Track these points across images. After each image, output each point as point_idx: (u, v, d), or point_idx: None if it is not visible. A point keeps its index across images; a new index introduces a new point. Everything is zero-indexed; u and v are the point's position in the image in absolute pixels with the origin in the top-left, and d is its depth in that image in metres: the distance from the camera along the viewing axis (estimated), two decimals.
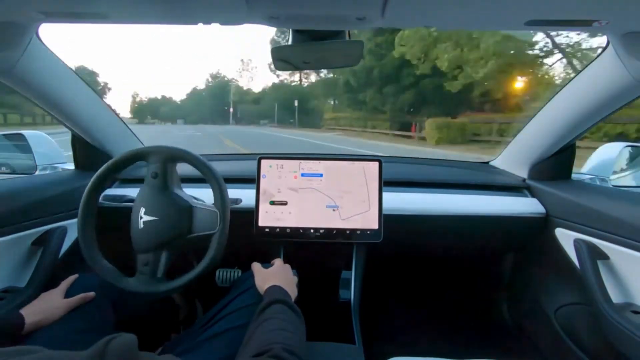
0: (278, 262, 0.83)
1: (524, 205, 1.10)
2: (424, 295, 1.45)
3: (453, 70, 11.67)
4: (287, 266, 0.84)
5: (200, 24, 0.65)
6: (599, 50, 0.81)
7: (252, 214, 0.98)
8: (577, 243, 0.93)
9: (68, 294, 0.76)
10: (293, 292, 0.75)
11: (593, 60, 0.84)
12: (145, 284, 0.80)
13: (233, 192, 0.87)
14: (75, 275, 0.81)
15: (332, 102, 28.26)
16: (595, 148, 1.26)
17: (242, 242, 0.90)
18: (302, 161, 1.00)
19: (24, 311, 0.68)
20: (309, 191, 0.99)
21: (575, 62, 10.10)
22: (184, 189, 0.90)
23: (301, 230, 0.98)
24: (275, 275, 0.77)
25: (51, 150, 1.26)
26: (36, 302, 0.73)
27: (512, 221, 1.10)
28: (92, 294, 0.77)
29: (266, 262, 0.85)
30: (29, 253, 0.89)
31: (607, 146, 1.27)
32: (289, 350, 0.52)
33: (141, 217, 0.80)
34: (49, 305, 0.72)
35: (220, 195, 0.83)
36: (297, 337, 0.58)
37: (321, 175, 1.00)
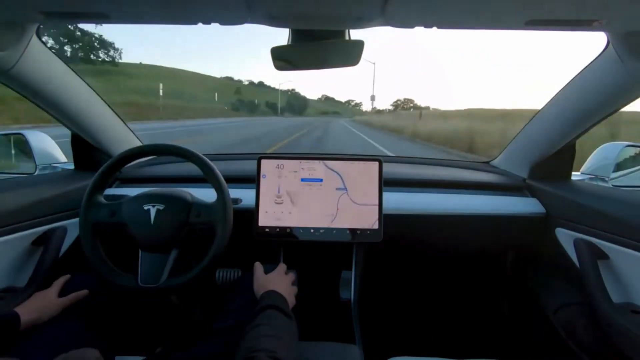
0: (281, 268, 0.83)
1: (524, 205, 1.10)
2: (424, 295, 1.44)
3: None
4: (290, 275, 0.83)
5: (200, 24, 0.65)
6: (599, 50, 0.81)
7: (252, 214, 0.97)
8: (577, 243, 0.93)
9: (63, 293, 0.76)
10: (291, 299, 0.75)
11: (593, 60, 0.84)
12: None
13: (233, 192, 0.87)
14: (68, 276, 0.81)
15: None
16: None
17: (242, 242, 0.90)
18: (302, 162, 1.00)
19: (19, 310, 0.69)
20: (309, 191, 0.99)
21: None
22: (186, 189, 0.91)
23: (301, 230, 0.98)
24: (273, 281, 0.76)
25: (51, 150, 1.27)
26: (31, 301, 0.73)
27: (512, 221, 1.10)
28: (85, 291, 0.77)
29: (267, 263, 0.85)
30: (29, 253, 0.89)
31: (607, 146, 1.27)
32: (274, 357, 0.52)
33: (151, 209, 0.81)
34: (44, 304, 0.73)
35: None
36: (285, 343, 0.58)
37: (321, 180, 1.00)
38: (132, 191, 0.95)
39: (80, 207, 0.83)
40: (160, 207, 0.82)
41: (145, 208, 0.82)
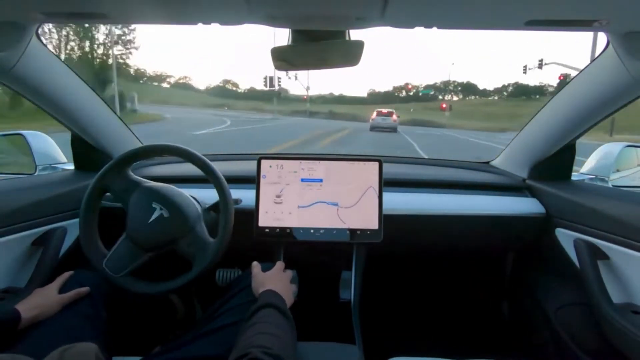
0: (278, 266, 0.83)
1: (524, 205, 1.10)
2: (424, 295, 1.45)
3: None
4: (288, 272, 0.83)
5: (200, 24, 0.65)
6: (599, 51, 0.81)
7: (252, 214, 0.97)
8: (577, 243, 0.93)
9: (63, 290, 0.76)
10: (289, 298, 0.75)
11: (593, 61, 0.84)
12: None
13: (233, 192, 0.87)
14: (71, 272, 0.81)
15: None
16: None
17: (242, 242, 0.90)
18: (302, 162, 1.00)
19: (19, 307, 0.68)
20: (309, 191, 0.99)
21: None
22: (186, 189, 0.91)
23: (301, 231, 0.98)
24: (271, 280, 0.76)
25: (51, 150, 1.26)
26: (31, 298, 0.73)
27: (512, 221, 1.10)
28: (86, 289, 0.77)
29: (267, 262, 0.85)
30: (29, 253, 0.89)
31: (607, 146, 1.27)
32: (270, 353, 0.52)
33: (156, 209, 0.82)
34: (44, 300, 0.72)
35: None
36: (282, 341, 0.57)
37: (321, 180, 1.00)
38: None
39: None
40: (166, 214, 0.82)
41: (153, 206, 0.82)
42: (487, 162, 1.39)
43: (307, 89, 43.35)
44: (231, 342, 0.61)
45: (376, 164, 1.00)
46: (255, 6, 0.57)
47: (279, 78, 30.03)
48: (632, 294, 0.83)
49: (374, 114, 17.85)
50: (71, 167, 1.19)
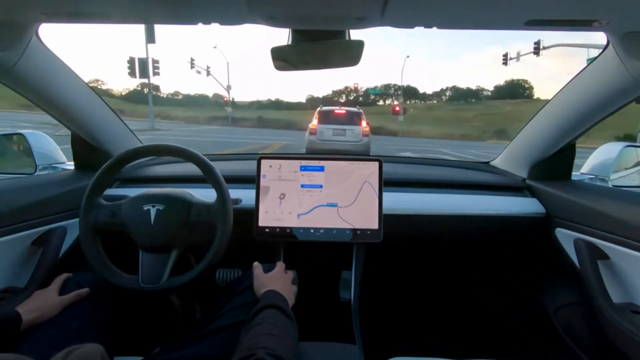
0: (279, 267, 0.83)
1: (524, 205, 1.10)
2: (424, 295, 1.45)
3: None
4: (289, 273, 0.84)
5: (200, 24, 0.65)
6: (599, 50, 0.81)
7: (252, 214, 0.98)
8: (577, 243, 0.93)
9: (63, 291, 0.77)
10: (290, 298, 0.75)
11: (593, 60, 0.84)
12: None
13: (233, 192, 0.87)
14: (69, 274, 0.81)
15: None
16: None
17: (242, 242, 0.90)
18: (301, 161, 1.00)
19: (19, 309, 0.69)
20: (309, 191, 0.99)
21: None
22: (186, 189, 0.91)
23: (301, 230, 0.98)
24: (273, 280, 0.77)
25: (51, 150, 1.26)
26: (31, 300, 0.73)
27: (512, 221, 1.10)
28: (85, 290, 0.77)
29: (267, 262, 0.85)
30: (29, 253, 0.89)
31: (607, 146, 1.27)
32: (274, 355, 0.52)
33: (151, 209, 0.82)
34: (44, 302, 0.73)
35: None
36: (285, 342, 0.58)
37: (321, 186, 1.00)
38: (133, 191, 0.95)
39: (80, 208, 0.83)
40: (160, 207, 0.82)
41: (145, 208, 0.82)
42: (487, 162, 1.39)
43: (229, 88, 30.73)
44: (232, 343, 0.61)
45: (376, 164, 1.00)
46: (255, 6, 0.57)
47: (154, 62, 16.80)
48: (632, 294, 0.83)
49: (315, 119, 8.06)
50: (71, 167, 1.19)
